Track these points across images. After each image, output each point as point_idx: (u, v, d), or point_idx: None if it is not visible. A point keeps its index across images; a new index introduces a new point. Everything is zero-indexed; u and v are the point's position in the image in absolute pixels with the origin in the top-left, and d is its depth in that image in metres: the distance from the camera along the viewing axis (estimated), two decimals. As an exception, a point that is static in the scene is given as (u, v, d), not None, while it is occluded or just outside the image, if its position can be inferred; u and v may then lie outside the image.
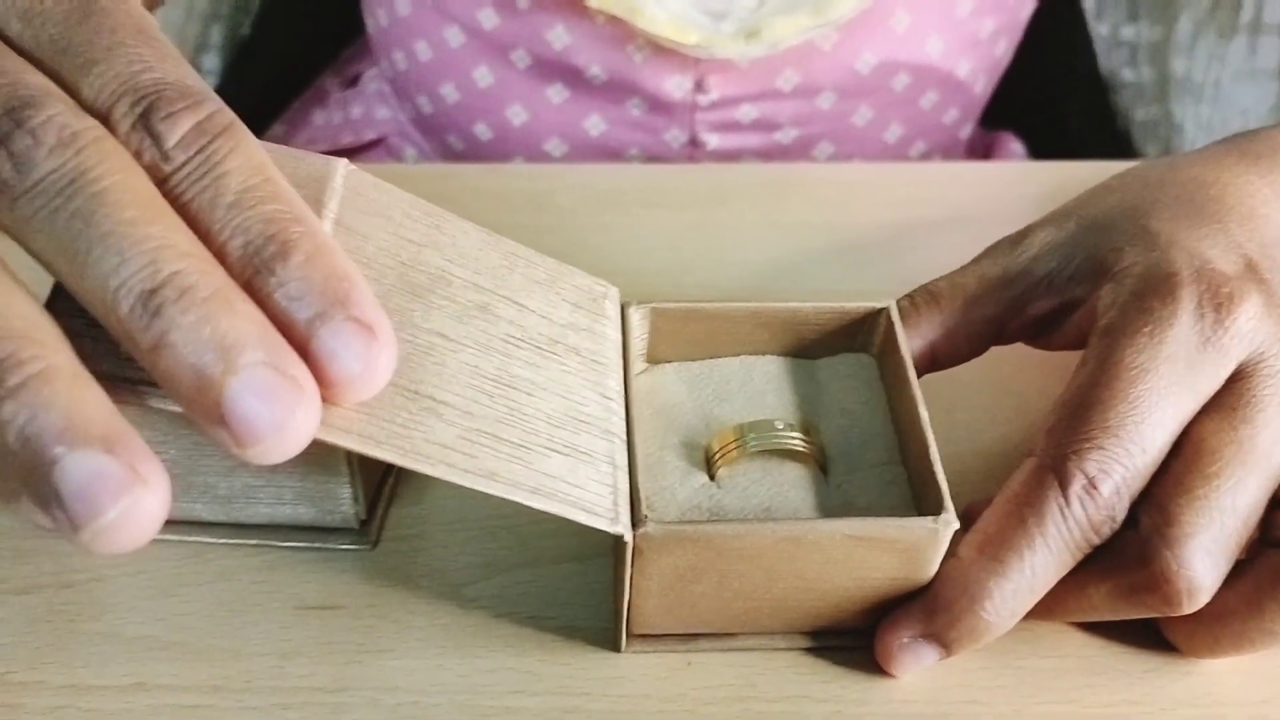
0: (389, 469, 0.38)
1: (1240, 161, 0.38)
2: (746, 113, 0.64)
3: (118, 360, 0.26)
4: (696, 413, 0.35)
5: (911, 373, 0.34)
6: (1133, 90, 0.70)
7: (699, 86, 0.63)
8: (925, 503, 0.32)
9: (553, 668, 0.33)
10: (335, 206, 0.30)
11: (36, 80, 0.25)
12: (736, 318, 0.36)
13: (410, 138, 0.72)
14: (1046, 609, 0.32)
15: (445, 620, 0.34)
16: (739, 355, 0.37)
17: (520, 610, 0.34)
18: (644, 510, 0.30)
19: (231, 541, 0.36)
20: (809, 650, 0.33)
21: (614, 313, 0.35)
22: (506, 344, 0.31)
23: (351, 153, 0.71)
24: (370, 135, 0.72)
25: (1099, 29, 0.70)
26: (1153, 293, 0.33)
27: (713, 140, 0.65)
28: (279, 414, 0.23)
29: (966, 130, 0.73)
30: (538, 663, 0.33)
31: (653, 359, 0.36)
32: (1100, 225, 0.37)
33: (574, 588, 0.35)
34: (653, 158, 0.66)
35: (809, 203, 0.55)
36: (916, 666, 0.32)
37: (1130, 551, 0.31)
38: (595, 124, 0.65)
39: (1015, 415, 0.41)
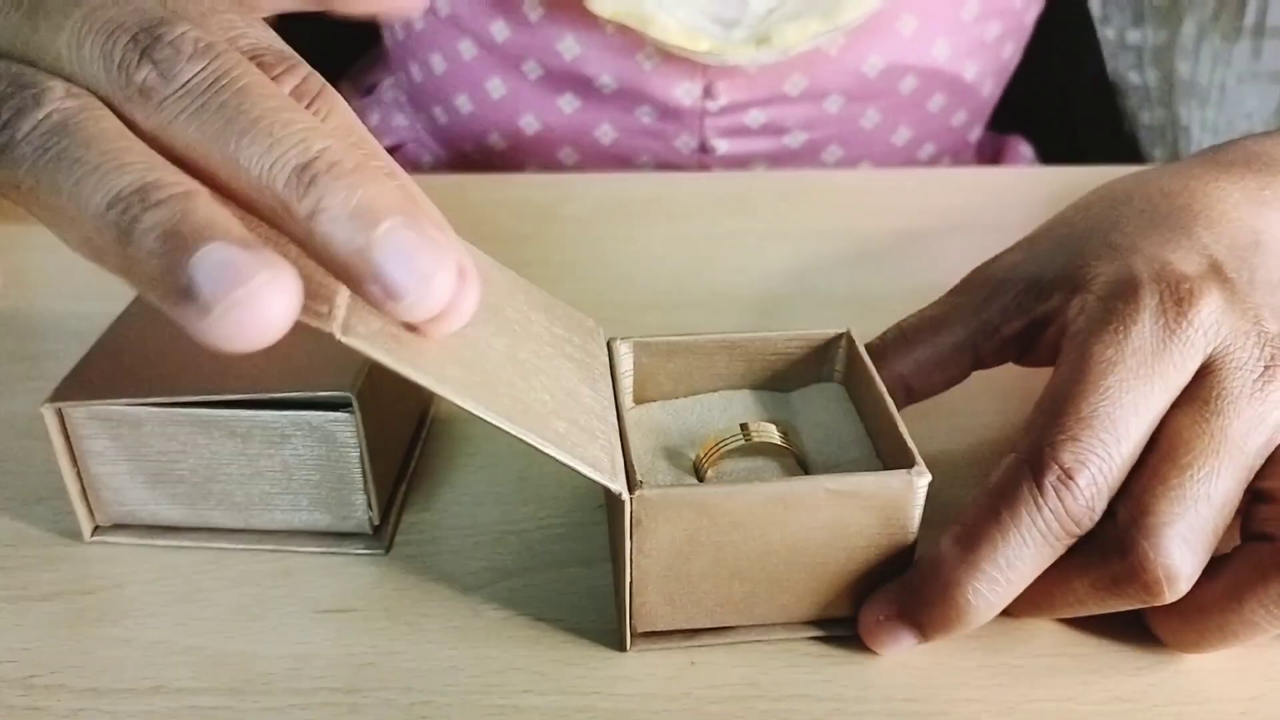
0: (401, 476, 0.39)
1: (1210, 170, 0.39)
2: (755, 118, 0.65)
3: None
4: (683, 434, 0.36)
5: (874, 371, 0.35)
6: (1139, 93, 0.71)
7: (708, 93, 0.63)
8: (897, 465, 0.33)
9: (561, 668, 0.33)
10: None
11: (162, 10, 0.27)
12: (712, 349, 0.38)
13: (428, 146, 0.73)
14: (1036, 605, 0.33)
15: (457, 622, 0.35)
16: (718, 390, 0.38)
17: (529, 613, 0.35)
18: (639, 478, 0.31)
19: (249, 547, 0.37)
20: (810, 650, 0.34)
21: (601, 342, 0.37)
22: (515, 333, 0.33)
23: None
24: (388, 143, 0.73)
25: (1105, 33, 0.70)
26: (1117, 296, 0.34)
27: (722, 146, 0.66)
28: (425, 267, 0.26)
29: (975, 133, 0.73)
30: (547, 663, 0.33)
31: (639, 399, 0.38)
32: (1068, 244, 0.38)
33: (580, 591, 0.36)
34: (664, 164, 0.67)
35: (818, 209, 0.56)
36: (894, 647, 0.33)
37: (1109, 543, 0.31)
38: (606, 132, 0.66)
39: (1006, 422, 0.42)
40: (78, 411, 0.35)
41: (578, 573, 0.36)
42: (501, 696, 0.32)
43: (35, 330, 0.47)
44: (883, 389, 0.35)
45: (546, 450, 0.30)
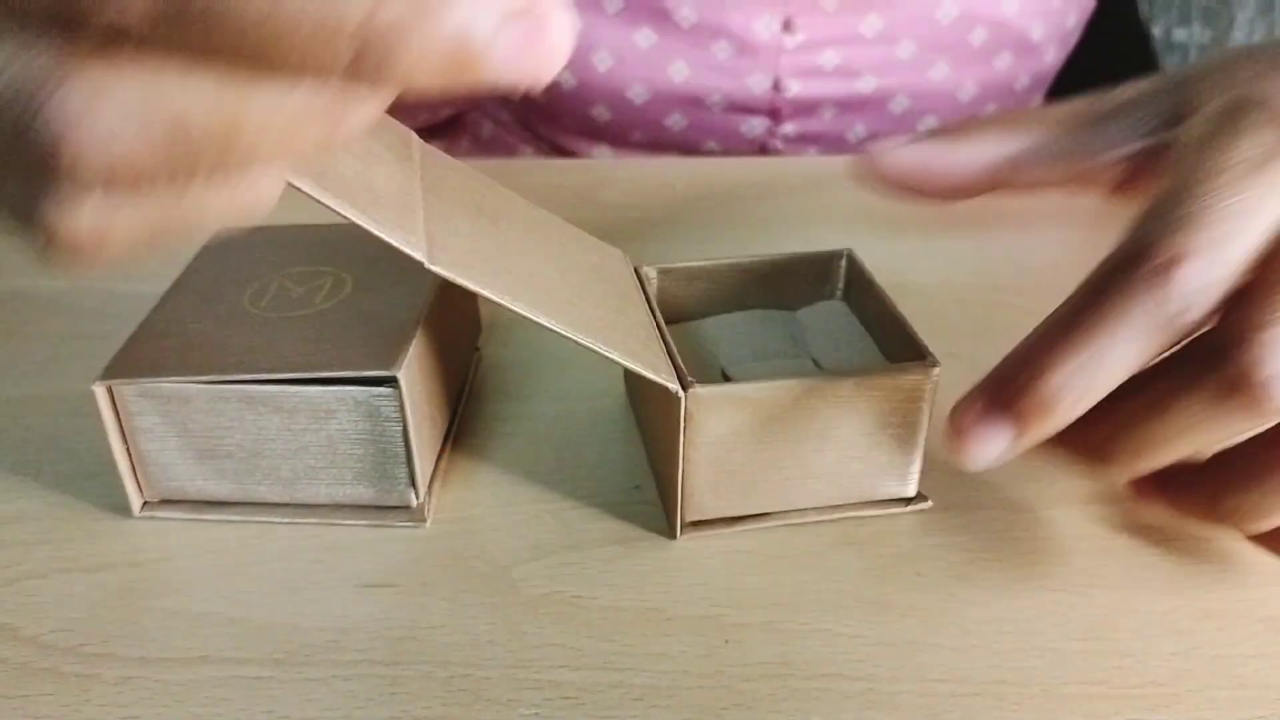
0: (442, 453, 0.40)
1: None
2: (829, 58, 0.65)
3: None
4: (706, 349, 0.41)
5: (877, 283, 0.40)
6: None
7: (786, 27, 0.64)
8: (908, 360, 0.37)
9: (596, 644, 0.34)
10: (418, 157, 0.35)
11: None
12: (726, 272, 0.43)
13: (485, 109, 0.73)
14: (1134, 452, 0.32)
15: (495, 598, 0.35)
16: (733, 312, 0.43)
17: (566, 590, 0.35)
18: (690, 378, 0.35)
19: (293, 521, 0.38)
20: (843, 631, 0.34)
21: (630, 269, 0.42)
22: (560, 261, 0.37)
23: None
24: (446, 111, 0.74)
25: (1153, 31, 0.71)
26: (1225, 115, 0.33)
27: (795, 86, 0.66)
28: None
29: (1036, 102, 0.74)
30: (583, 639, 0.34)
31: (666, 321, 0.41)
32: (1189, 79, 0.38)
33: (616, 569, 0.36)
34: (735, 105, 0.67)
35: (858, 193, 0.56)
36: (986, 449, 0.31)
37: (1208, 357, 0.30)
38: (679, 70, 0.66)
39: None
40: (128, 389, 0.36)
41: (614, 551, 0.37)
42: (538, 671, 0.33)
43: (85, 310, 0.48)
44: (887, 296, 0.39)
45: (613, 357, 0.34)
